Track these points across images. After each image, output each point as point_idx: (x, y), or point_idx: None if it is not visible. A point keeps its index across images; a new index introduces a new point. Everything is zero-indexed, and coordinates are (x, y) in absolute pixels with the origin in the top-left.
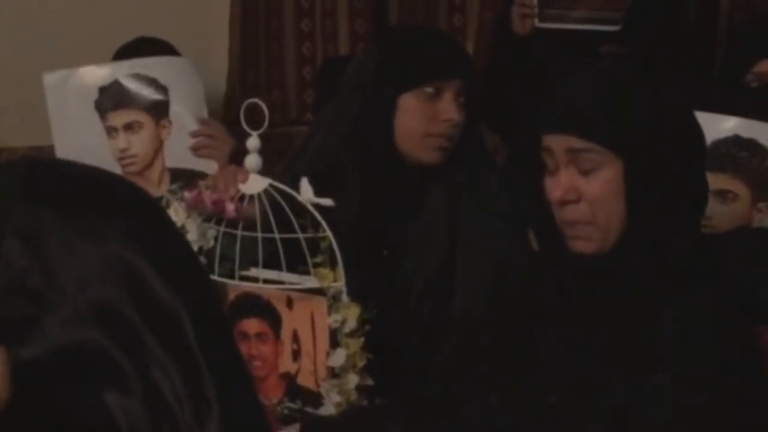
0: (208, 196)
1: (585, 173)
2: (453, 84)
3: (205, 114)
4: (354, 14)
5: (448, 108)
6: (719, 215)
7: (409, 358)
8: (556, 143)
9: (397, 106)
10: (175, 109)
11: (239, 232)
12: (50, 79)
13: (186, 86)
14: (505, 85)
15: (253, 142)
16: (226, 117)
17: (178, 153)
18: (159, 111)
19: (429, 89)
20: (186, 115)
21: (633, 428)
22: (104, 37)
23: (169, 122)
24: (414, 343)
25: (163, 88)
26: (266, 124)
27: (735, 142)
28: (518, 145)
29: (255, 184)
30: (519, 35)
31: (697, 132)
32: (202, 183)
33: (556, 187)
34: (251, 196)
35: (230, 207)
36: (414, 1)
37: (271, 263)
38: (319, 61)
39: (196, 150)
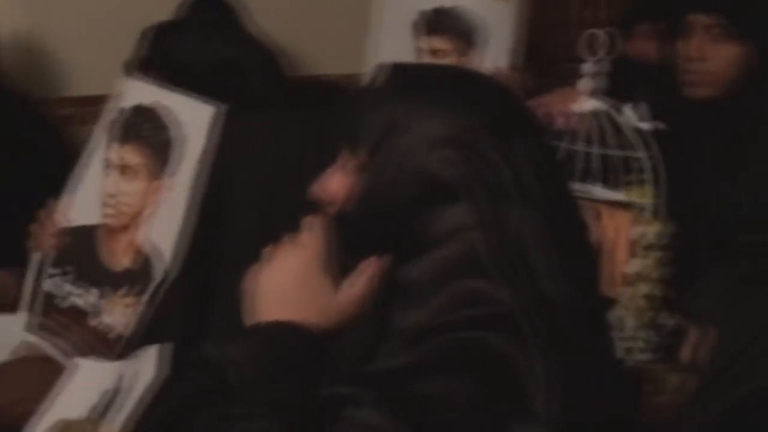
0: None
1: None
2: None
3: (505, 62)
4: None
5: None
6: None
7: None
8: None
9: None
10: (484, 50)
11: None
12: None
13: (501, 31)
14: None
15: (588, 67)
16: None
17: None
18: (467, 45)
19: None
20: (490, 59)
21: None
22: None
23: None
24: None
25: (475, 29)
26: (604, 52)
27: None
28: None
29: (585, 104)
30: None
31: None
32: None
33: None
34: (581, 115)
35: (559, 120)
36: None
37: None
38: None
39: None
